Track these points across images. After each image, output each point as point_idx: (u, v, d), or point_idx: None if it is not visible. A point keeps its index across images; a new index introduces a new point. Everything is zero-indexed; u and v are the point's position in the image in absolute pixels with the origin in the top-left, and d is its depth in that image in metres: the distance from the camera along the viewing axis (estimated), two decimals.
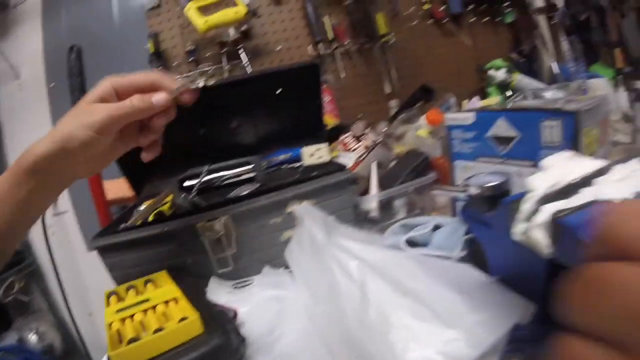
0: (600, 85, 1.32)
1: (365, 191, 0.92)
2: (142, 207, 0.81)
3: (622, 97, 1.36)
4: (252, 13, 1.33)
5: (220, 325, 0.48)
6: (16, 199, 0.51)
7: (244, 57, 1.40)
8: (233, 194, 0.77)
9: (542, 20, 1.67)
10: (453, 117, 0.70)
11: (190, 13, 1.31)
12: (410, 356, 0.35)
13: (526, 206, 0.33)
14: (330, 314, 0.45)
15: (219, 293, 0.69)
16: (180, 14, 1.41)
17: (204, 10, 1.33)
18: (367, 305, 0.39)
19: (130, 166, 0.90)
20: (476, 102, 1.35)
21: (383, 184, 0.90)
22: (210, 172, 0.89)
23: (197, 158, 0.90)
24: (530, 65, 1.71)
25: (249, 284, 0.70)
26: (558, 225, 0.30)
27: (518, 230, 0.33)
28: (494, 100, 1.49)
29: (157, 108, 0.53)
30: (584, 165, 0.38)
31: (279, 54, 1.49)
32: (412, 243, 0.61)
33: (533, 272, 0.37)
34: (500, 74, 1.54)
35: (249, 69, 1.42)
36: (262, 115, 0.94)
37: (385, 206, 0.87)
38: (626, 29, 1.96)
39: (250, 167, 0.88)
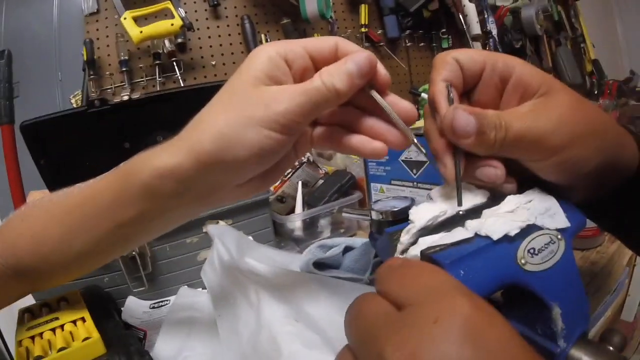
0: None
1: (292, 210, 0.93)
2: None
3: None
4: (187, 26, 1.31)
5: (125, 346, 0.48)
6: (116, 221, 0.37)
7: (177, 69, 1.38)
8: None
9: (478, 47, 1.75)
10: None
11: (126, 22, 1.28)
12: None
13: (405, 237, 0.34)
14: (232, 338, 0.45)
15: (134, 313, 0.68)
16: (117, 21, 1.37)
17: (141, 20, 1.31)
18: (259, 330, 0.40)
19: (54, 179, 0.87)
20: None
21: (310, 203, 0.92)
22: None
23: None
24: None
25: (165, 304, 0.70)
26: (429, 260, 0.32)
27: None
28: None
29: (359, 82, 0.33)
30: (476, 195, 0.40)
31: (214, 68, 1.48)
32: (325, 265, 0.62)
33: None
34: None
35: (182, 82, 1.40)
36: None
37: (310, 225, 0.89)
38: (561, 57, 2.10)
39: None
